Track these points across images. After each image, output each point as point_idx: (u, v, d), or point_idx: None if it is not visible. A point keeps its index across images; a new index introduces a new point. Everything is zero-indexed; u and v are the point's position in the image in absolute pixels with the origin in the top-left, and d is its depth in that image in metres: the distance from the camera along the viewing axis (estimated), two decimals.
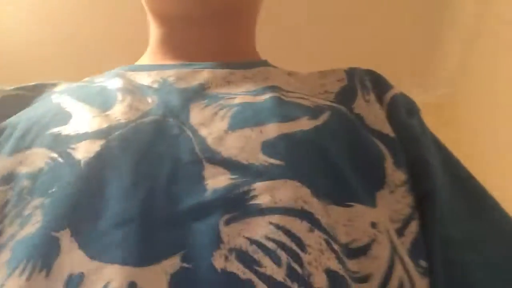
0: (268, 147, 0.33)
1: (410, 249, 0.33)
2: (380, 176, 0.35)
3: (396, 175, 0.36)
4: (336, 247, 0.29)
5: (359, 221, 0.32)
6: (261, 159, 0.32)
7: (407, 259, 0.32)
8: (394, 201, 0.35)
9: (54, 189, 0.31)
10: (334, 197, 0.32)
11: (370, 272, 0.30)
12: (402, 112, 0.41)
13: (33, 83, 0.45)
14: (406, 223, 0.34)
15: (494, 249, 0.36)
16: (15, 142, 0.35)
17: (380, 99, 0.41)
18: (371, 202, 0.33)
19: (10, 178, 0.33)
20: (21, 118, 0.38)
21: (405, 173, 0.36)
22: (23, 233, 0.29)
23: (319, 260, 0.28)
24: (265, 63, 0.46)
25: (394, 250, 0.32)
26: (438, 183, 0.37)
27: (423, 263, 0.33)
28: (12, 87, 0.42)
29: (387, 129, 0.38)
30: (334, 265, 0.28)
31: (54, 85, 0.45)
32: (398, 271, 0.31)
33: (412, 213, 0.35)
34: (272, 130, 0.34)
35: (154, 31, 0.48)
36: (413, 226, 0.34)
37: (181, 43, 0.46)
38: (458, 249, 0.36)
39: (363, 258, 0.30)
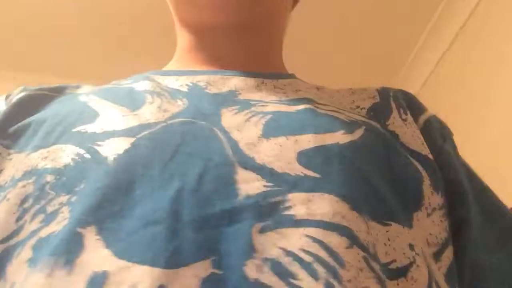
0: (304, 157, 0.32)
1: (446, 275, 0.33)
2: (417, 197, 0.34)
3: (433, 198, 0.35)
4: (375, 265, 0.28)
5: (397, 241, 0.30)
6: (297, 169, 0.31)
7: (443, 283, 0.31)
8: (431, 224, 0.34)
9: (82, 186, 0.29)
10: (373, 214, 0.30)
11: None
12: (437, 136, 0.40)
13: (56, 85, 0.44)
14: (443, 247, 0.33)
15: None
16: (40, 138, 0.35)
17: (415, 120, 0.41)
18: (408, 222, 0.32)
19: (32, 173, 0.32)
20: (47, 115, 0.38)
21: (442, 197, 0.35)
22: (48, 230, 0.27)
23: (358, 279, 0.26)
24: (293, 76, 0.46)
25: (431, 274, 0.31)
26: (472, 210, 0.36)
27: None
28: (36, 87, 0.43)
29: (425, 151, 0.37)
30: (373, 285, 0.27)
31: (77, 87, 0.45)
32: None
33: (449, 238, 0.34)
34: (308, 140, 0.33)
35: (182, 38, 0.48)
36: (449, 252, 0.34)
37: (210, 51, 0.45)
38: (485, 277, 0.35)
39: (403, 280, 0.29)
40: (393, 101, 0.42)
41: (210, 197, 0.28)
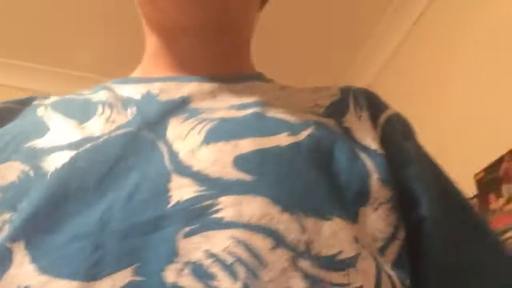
0: (240, 161, 0.32)
1: (393, 263, 0.33)
2: (364, 192, 0.34)
3: (381, 192, 0.34)
4: (305, 263, 0.28)
5: (341, 234, 0.30)
6: (231, 173, 0.31)
7: (393, 274, 0.32)
8: (377, 218, 0.33)
9: (23, 203, 0.30)
10: (312, 210, 0.31)
11: (361, 284, 0.29)
12: (398, 133, 0.40)
13: (24, 97, 0.45)
14: (388, 242, 0.33)
15: (494, 277, 0.35)
16: None
17: (374, 118, 0.40)
18: (352, 217, 0.32)
19: None
20: (5, 131, 0.39)
21: (390, 191, 0.35)
22: None
23: (280, 279, 0.27)
24: (258, 77, 0.46)
25: (378, 265, 0.31)
26: (433, 209, 0.36)
27: (407, 282, 0.33)
28: (3, 101, 0.43)
29: (375, 145, 0.37)
30: (298, 283, 0.27)
31: (45, 98, 0.45)
32: (386, 284, 0.31)
33: (395, 233, 0.34)
34: (247, 144, 0.34)
35: (148, 42, 0.48)
36: (395, 246, 0.33)
37: (174, 55, 0.45)
38: (458, 277, 0.35)
39: (352, 270, 0.29)
40: (352, 99, 0.42)
41: (140, 207, 0.29)
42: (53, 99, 0.44)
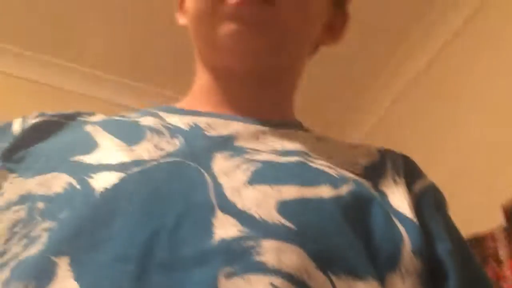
0: (284, 207, 0.33)
1: None
2: (394, 258, 0.34)
3: (411, 262, 0.34)
4: None
5: None
6: (275, 217, 0.32)
7: None
8: None
9: (64, 214, 0.31)
10: (347, 269, 0.31)
11: None
12: (432, 205, 0.40)
13: (71, 111, 0.46)
14: None
15: None
16: (41, 165, 0.36)
17: (410, 186, 0.41)
18: (381, 281, 0.33)
19: (26, 198, 0.33)
20: (52, 143, 0.40)
21: (421, 263, 0.35)
22: (25, 254, 0.29)
23: None
24: (297, 126, 0.47)
25: None
26: (459, 284, 0.36)
27: None
28: (52, 113, 0.45)
29: (410, 214, 0.37)
30: None
31: (90, 114, 0.46)
32: None
33: None
34: (291, 191, 0.34)
35: (199, 76, 0.49)
36: None
37: (223, 95, 0.46)
38: None
39: None
40: (390, 162, 0.42)
41: (185, 239, 0.29)
42: (99, 117, 0.45)
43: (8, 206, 0.34)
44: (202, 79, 0.49)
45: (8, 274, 0.28)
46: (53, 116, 0.44)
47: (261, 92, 0.47)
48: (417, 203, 0.39)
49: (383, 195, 0.39)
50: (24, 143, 0.40)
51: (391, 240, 0.35)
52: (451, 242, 0.38)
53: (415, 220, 0.37)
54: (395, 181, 0.40)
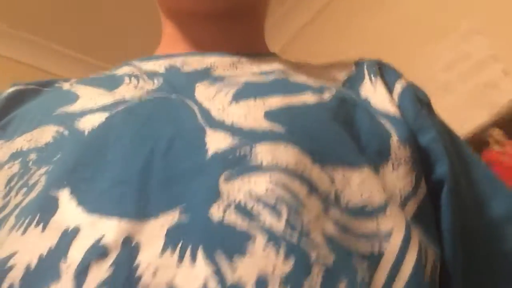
0: (271, 115, 0.33)
1: (411, 219, 0.34)
2: (383, 151, 0.35)
3: (400, 151, 0.35)
4: (335, 213, 0.29)
5: (371, 183, 0.31)
6: (264, 124, 0.32)
7: (413, 226, 0.32)
8: (396, 178, 0.34)
9: (58, 156, 0.31)
10: (342, 160, 0.32)
11: (392, 227, 0.30)
12: (415, 101, 0.40)
13: (46, 79, 0.46)
14: (406, 200, 0.34)
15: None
16: (25, 125, 0.37)
17: (390, 86, 0.41)
18: (375, 171, 0.33)
19: (17, 154, 0.34)
20: (33, 105, 0.40)
21: (410, 150, 0.36)
22: (27, 200, 0.29)
23: (316, 222, 0.28)
24: (274, 55, 0.48)
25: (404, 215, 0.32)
26: (454, 170, 0.37)
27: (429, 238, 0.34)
28: (26, 82, 0.45)
29: (393, 111, 0.38)
30: (330, 229, 0.28)
31: (66, 80, 0.46)
32: (415, 232, 0.31)
33: (413, 192, 0.35)
34: (275, 100, 0.35)
35: (165, 26, 0.49)
36: (413, 204, 0.34)
37: (192, 38, 0.46)
38: (482, 238, 0.36)
39: (382, 216, 0.30)
40: (366, 69, 0.43)
41: (179, 158, 0.30)
42: (75, 79, 0.45)
43: (1, 166, 0.34)
44: (167, 27, 0.49)
45: (13, 221, 0.28)
46: (28, 84, 0.44)
47: (229, 29, 0.47)
48: (400, 100, 0.40)
49: (365, 100, 0.39)
50: (4, 112, 0.41)
51: (378, 137, 0.35)
52: (437, 132, 0.38)
53: (398, 115, 0.38)
54: (374, 84, 0.41)
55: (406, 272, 0.29)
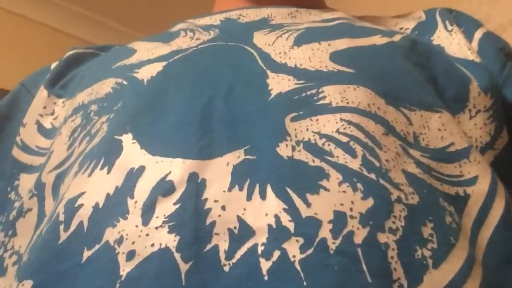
0: (337, 56, 0.31)
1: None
2: (461, 98, 0.32)
3: (480, 99, 0.33)
4: (415, 153, 0.27)
5: (452, 126, 0.29)
6: (330, 66, 0.30)
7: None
8: (473, 127, 0.32)
9: (119, 105, 0.31)
10: (420, 103, 0.29)
11: (477, 174, 0.28)
12: (497, 49, 0.37)
13: (105, 44, 0.47)
14: (482, 150, 0.31)
15: None
16: (85, 82, 0.37)
17: (469, 33, 0.38)
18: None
19: (80, 108, 0.34)
20: (92, 64, 0.41)
21: (491, 99, 0.33)
22: (90, 147, 0.29)
23: (396, 161, 0.26)
24: (332, 9, 0.45)
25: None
26: None
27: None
28: (84, 47, 0.46)
29: (472, 56, 0.35)
30: (412, 168, 0.26)
31: (123, 46, 0.46)
32: (499, 180, 0.29)
33: (491, 143, 0.32)
34: (342, 43, 0.33)
35: None
36: (490, 155, 0.32)
37: None
38: None
39: (465, 161, 0.28)
40: (439, 16, 0.40)
41: (242, 99, 0.29)
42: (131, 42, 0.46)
43: (65, 120, 0.35)
44: None
45: (77, 168, 0.28)
46: (87, 48, 0.45)
47: None
48: (481, 47, 0.37)
49: (440, 47, 0.37)
50: (63, 72, 0.41)
51: (455, 80, 0.33)
52: None
53: (478, 60, 0.35)
54: (450, 31, 0.38)
55: (494, 219, 0.27)
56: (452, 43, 0.37)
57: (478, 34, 0.38)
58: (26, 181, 0.35)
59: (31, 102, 0.40)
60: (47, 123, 0.38)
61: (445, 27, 0.38)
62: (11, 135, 0.38)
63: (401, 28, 0.40)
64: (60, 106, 0.38)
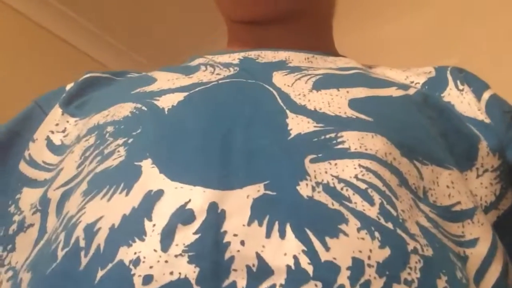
0: (355, 103, 0.32)
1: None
2: (470, 156, 0.33)
3: (488, 159, 0.33)
4: (425, 208, 0.27)
5: (460, 185, 0.30)
6: (349, 112, 0.31)
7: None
8: (479, 185, 0.32)
9: (138, 131, 0.31)
10: (432, 158, 0.30)
11: (478, 236, 0.28)
12: (503, 112, 0.38)
13: (119, 70, 0.47)
14: (486, 210, 0.32)
15: None
16: (101, 104, 0.37)
17: (477, 93, 0.39)
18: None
19: (95, 128, 0.34)
20: (107, 90, 0.41)
21: (499, 159, 0.34)
22: (102, 167, 0.29)
23: (410, 212, 0.26)
24: (344, 57, 0.46)
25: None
26: None
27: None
28: (101, 71, 0.46)
29: (482, 116, 0.36)
30: (424, 222, 0.26)
31: (138, 72, 0.47)
32: (500, 243, 0.29)
33: (496, 203, 0.33)
34: (360, 92, 0.33)
35: (230, 31, 0.50)
36: (493, 215, 0.32)
37: (258, 39, 0.46)
38: None
39: (468, 223, 0.28)
40: (450, 75, 0.41)
41: (261, 134, 0.29)
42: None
43: (79, 139, 0.34)
44: (232, 33, 0.49)
45: (86, 186, 0.28)
46: (103, 73, 0.45)
47: (296, 29, 0.46)
48: (488, 108, 0.37)
49: (450, 105, 0.38)
50: (79, 93, 0.41)
51: (465, 138, 0.34)
52: None
53: (487, 120, 0.36)
54: (461, 90, 0.39)
55: (488, 284, 0.27)
56: (463, 102, 0.38)
57: (486, 95, 0.39)
58: (28, 195, 0.35)
59: (43, 120, 0.40)
60: (56, 140, 0.38)
61: (456, 86, 0.39)
62: (21, 151, 0.38)
63: (412, 82, 0.41)
64: (73, 125, 0.38)
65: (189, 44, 1.94)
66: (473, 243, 0.28)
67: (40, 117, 0.40)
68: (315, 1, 0.47)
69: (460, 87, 0.39)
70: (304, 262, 0.22)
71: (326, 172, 0.26)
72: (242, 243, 0.23)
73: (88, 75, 0.44)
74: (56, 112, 0.39)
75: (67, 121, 0.39)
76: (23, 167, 0.37)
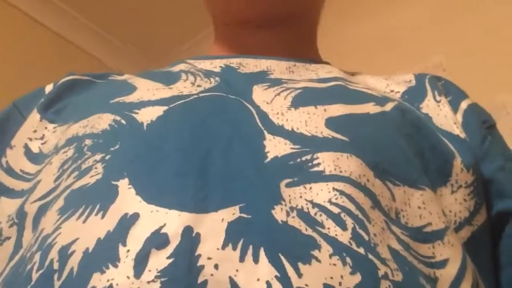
0: (332, 123, 0.32)
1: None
2: (445, 172, 0.34)
3: (462, 175, 0.34)
4: (396, 230, 0.28)
5: (432, 206, 0.30)
6: (325, 132, 0.31)
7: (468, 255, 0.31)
8: (453, 201, 0.33)
9: (117, 147, 0.31)
10: (404, 179, 0.30)
11: (448, 257, 0.29)
12: (480, 123, 0.39)
13: (100, 72, 0.47)
14: (460, 226, 0.33)
15: None
16: (80, 112, 0.37)
17: (454, 105, 0.40)
18: (434, 191, 0.32)
19: (73, 140, 0.34)
20: (89, 94, 0.40)
21: (473, 175, 0.34)
22: (79, 184, 0.29)
23: (382, 235, 0.27)
24: (327, 63, 0.47)
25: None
26: None
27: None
28: (82, 73, 0.45)
29: (457, 131, 0.37)
30: (395, 244, 0.27)
31: (120, 74, 0.47)
32: (470, 263, 0.30)
33: (470, 219, 0.33)
34: (337, 109, 0.34)
35: (216, 31, 0.50)
36: (467, 231, 0.33)
37: (244, 43, 0.46)
38: None
39: (439, 244, 0.29)
40: (428, 84, 0.41)
41: (238, 158, 0.29)
42: (130, 74, 0.45)
43: (57, 150, 0.34)
44: (218, 33, 0.49)
45: (62, 203, 0.28)
46: (83, 75, 0.45)
47: (282, 35, 0.46)
48: (465, 120, 0.38)
49: (428, 117, 0.38)
50: (58, 97, 0.41)
51: (441, 155, 0.34)
52: (504, 159, 0.37)
53: (462, 136, 0.36)
54: (438, 101, 0.40)
55: None
56: (440, 114, 0.38)
57: (463, 105, 0.40)
58: (5, 205, 0.35)
59: (21, 124, 0.39)
60: (35, 147, 0.38)
61: (434, 97, 0.40)
62: None
63: (392, 91, 0.42)
64: (51, 131, 0.38)
65: (185, 39, 1.96)
66: (443, 264, 0.28)
67: (18, 120, 0.40)
68: (308, 6, 0.48)
69: (438, 98, 0.40)
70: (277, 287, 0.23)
71: (300, 197, 0.27)
72: (216, 266, 0.23)
73: (67, 78, 0.43)
74: (34, 117, 0.39)
75: (46, 127, 0.38)
76: (0, 175, 0.37)
